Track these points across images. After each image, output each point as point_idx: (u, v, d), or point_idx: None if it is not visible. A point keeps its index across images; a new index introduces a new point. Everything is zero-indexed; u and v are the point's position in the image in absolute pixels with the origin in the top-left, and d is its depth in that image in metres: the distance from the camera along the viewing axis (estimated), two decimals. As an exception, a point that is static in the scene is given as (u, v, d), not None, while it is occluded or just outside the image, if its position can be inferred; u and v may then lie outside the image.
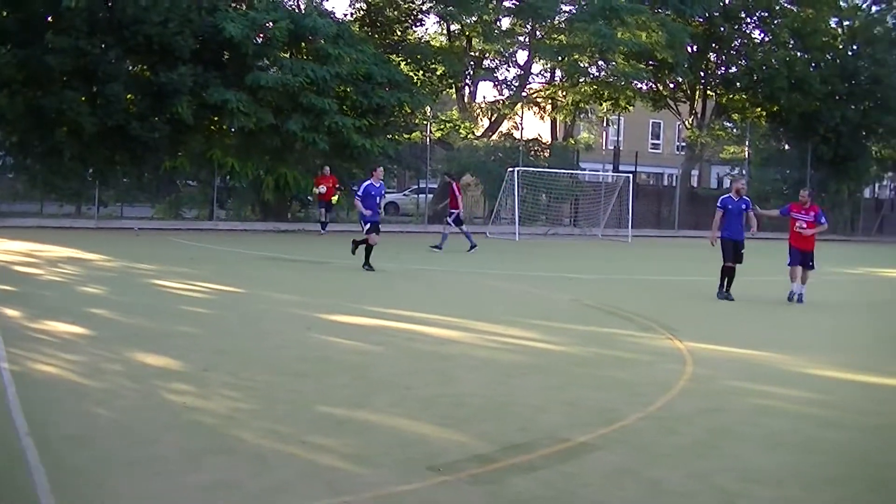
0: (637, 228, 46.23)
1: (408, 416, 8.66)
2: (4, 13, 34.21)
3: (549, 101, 52.88)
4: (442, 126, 49.67)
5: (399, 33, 48.28)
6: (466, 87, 51.86)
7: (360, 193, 22.78)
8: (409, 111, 44.27)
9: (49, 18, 34.55)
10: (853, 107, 54.16)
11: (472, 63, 50.16)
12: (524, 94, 51.63)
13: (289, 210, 41.98)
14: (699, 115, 56.19)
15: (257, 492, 6.43)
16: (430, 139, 46.83)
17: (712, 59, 55.97)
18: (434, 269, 23.97)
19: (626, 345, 13.26)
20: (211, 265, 22.65)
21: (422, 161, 46.87)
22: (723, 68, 56.27)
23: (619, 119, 63.01)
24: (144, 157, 36.63)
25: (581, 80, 49.82)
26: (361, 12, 47.41)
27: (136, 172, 38.00)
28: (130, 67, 36.62)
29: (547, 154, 50.23)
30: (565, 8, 48.02)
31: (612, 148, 61.56)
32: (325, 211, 36.01)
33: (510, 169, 41.76)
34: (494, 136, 51.12)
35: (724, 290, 19.18)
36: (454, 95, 52.31)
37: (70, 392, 9.03)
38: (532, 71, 52.23)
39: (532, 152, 49.13)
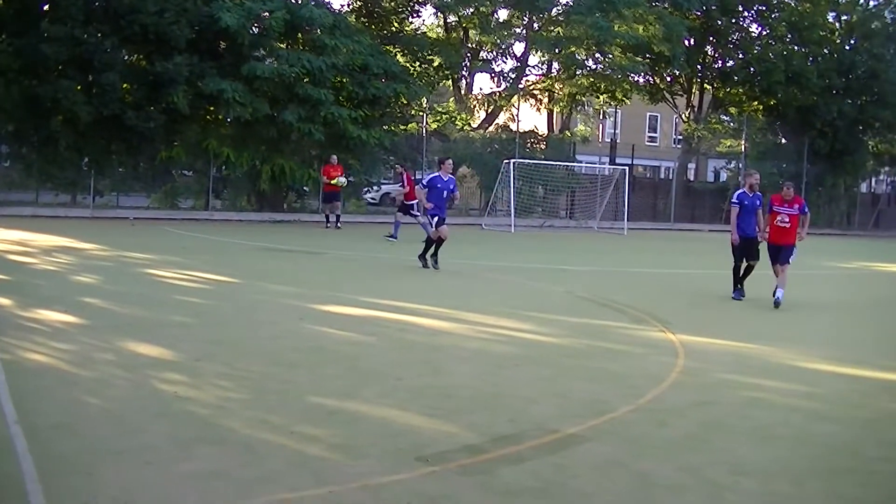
0: (633, 221, 46.29)
1: (398, 406, 8.65)
2: (0, 2, 34.16)
3: (546, 93, 52.98)
4: (438, 117, 49.67)
5: (396, 24, 48.35)
6: (463, 79, 51.88)
7: (424, 184, 21.71)
8: (405, 102, 44.27)
9: (45, 7, 34.54)
10: (850, 101, 54.21)
11: (468, 54, 50.18)
12: (521, 86, 51.65)
13: (285, 200, 41.94)
14: (696, 109, 56.27)
15: (244, 481, 6.43)
16: (426, 130, 46.83)
17: (709, 53, 56.10)
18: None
19: (619, 337, 13.27)
20: (206, 255, 22.63)
21: (418, 152, 46.85)
22: (720, 62, 56.41)
23: (615, 112, 63.08)
24: (140, 147, 36.62)
25: (578, 73, 49.92)
26: (358, 3, 47.46)
27: (131, 162, 37.99)
28: (126, 57, 36.58)
29: (543, 146, 50.27)
30: (562, 0, 48.00)
31: (609, 140, 61.61)
32: (337, 203, 34.98)
33: (506, 161, 41.79)
34: (491, 128, 51.22)
35: (740, 288, 18.30)
36: (451, 87, 52.30)
37: (60, 381, 9.02)
38: (529, 63, 52.43)
39: (528, 144, 49.15)
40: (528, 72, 52.92)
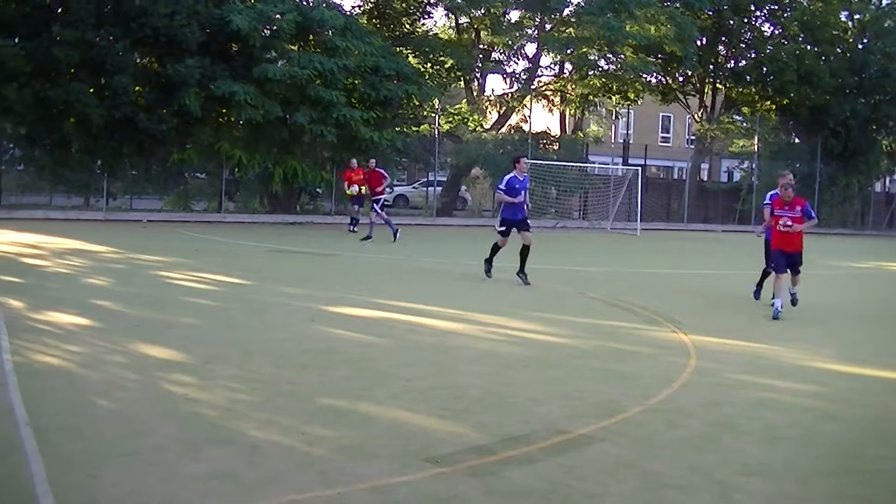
0: (646, 222, 46.27)
1: (407, 407, 8.64)
2: (12, 5, 34.25)
3: (558, 93, 52.83)
4: (451, 119, 49.63)
5: (407, 26, 48.34)
6: (475, 80, 51.78)
7: (502, 187, 19.68)
8: (417, 104, 44.33)
9: (56, 11, 34.61)
10: (863, 100, 54.11)
11: (480, 56, 50.10)
12: (533, 86, 51.57)
13: (297, 202, 42.01)
14: (709, 109, 56.14)
15: (251, 482, 6.42)
16: (438, 132, 46.85)
17: (721, 53, 55.97)
18: (440, 262, 23.94)
19: (630, 337, 13.24)
20: (218, 257, 22.65)
21: (430, 154, 46.89)
22: (732, 61, 56.30)
23: (628, 112, 62.97)
24: (152, 150, 36.77)
25: (590, 73, 49.83)
26: (369, 5, 47.48)
27: (144, 164, 38.16)
28: (138, 59, 36.73)
29: (556, 147, 50.27)
30: (574, 0, 47.93)
31: (622, 141, 61.59)
32: (358, 207, 33.80)
33: (519, 162, 41.67)
34: (503, 129, 51.11)
35: (760, 290, 17.63)
36: (463, 88, 52.26)
37: (70, 383, 9.03)
38: (541, 64, 52.31)
39: (541, 145, 49.15)
40: (540, 72, 52.87)
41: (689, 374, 10.67)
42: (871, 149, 55.65)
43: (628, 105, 57.41)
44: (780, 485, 6.94)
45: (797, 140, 57.98)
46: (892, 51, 54.25)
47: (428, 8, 49.04)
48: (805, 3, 54.02)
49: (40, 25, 33.64)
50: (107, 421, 7.78)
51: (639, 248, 33.56)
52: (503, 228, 19.63)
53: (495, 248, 19.91)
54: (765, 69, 53.11)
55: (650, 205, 50.04)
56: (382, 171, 30.91)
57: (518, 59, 51.62)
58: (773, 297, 15.84)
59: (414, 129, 46.28)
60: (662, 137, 77.03)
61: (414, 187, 56.76)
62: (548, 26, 49.29)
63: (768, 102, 55.59)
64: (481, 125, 50.37)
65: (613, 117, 67.44)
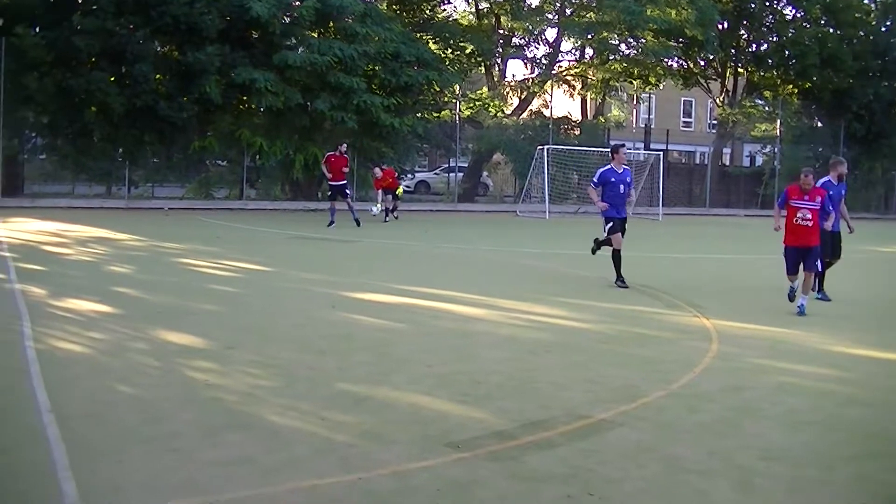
0: (668, 206, 46.12)
1: (427, 393, 8.64)
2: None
3: (579, 78, 52.70)
4: (471, 104, 49.56)
5: (427, 11, 48.21)
6: (496, 66, 51.69)
7: (595, 181, 17.60)
8: (437, 89, 44.29)
9: (77, 0, 34.68)
10: (886, 83, 53.75)
11: (500, 41, 50.04)
12: (554, 72, 51.46)
13: (318, 189, 41.98)
14: (730, 93, 55.83)
15: (270, 467, 6.43)
16: (459, 118, 46.79)
17: (743, 36, 55.59)
18: (462, 247, 23.92)
19: (652, 322, 13.19)
20: (239, 244, 22.69)
21: (451, 140, 46.86)
22: (754, 45, 55.91)
23: (649, 97, 62.73)
24: (173, 137, 36.81)
25: (611, 58, 49.69)
26: (389, -10, 47.38)
27: (165, 152, 38.20)
28: (158, 48, 36.76)
29: (577, 132, 50.18)
30: (594, -16, 47.79)
31: (643, 126, 61.38)
32: (391, 198, 33.79)
33: (540, 147, 41.71)
34: (524, 115, 51.04)
35: (819, 288, 16.21)
36: (483, 73, 52.17)
37: (92, 370, 9.06)
38: (561, 49, 52.12)
39: (562, 130, 49.05)
40: (560, 58, 52.70)
41: (711, 358, 10.63)
42: (894, 132, 55.20)
43: (649, 90, 57.29)
44: (801, 470, 6.91)
45: (820, 124, 57.63)
46: (915, 33, 53.90)
47: (448, -7, 48.98)
48: (827, -14, 53.69)
49: (61, 15, 33.71)
50: (128, 407, 7.81)
51: (661, 233, 33.46)
52: (610, 225, 17.27)
53: (613, 255, 17.30)
54: (787, 53, 52.78)
55: (672, 190, 49.86)
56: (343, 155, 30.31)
57: (539, 45, 51.60)
58: (792, 292, 14.93)
59: (435, 114, 46.19)
60: (684, 122, 76.77)
61: (435, 173, 56.76)
62: (568, 11, 49.13)
63: (790, 86, 55.23)
64: (502, 111, 50.26)
65: (635, 102, 67.32)
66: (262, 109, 37.71)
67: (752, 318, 13.77)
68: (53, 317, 11.75)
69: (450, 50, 47.68)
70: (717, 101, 57.27)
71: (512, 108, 51.66)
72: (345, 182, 29.46)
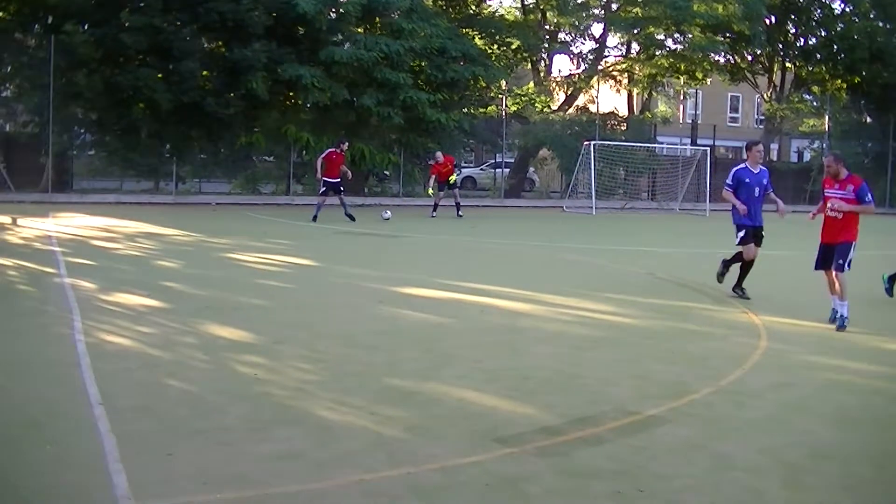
0: (715, 202, 45.73)
1: (475, 388, 8.63)
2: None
3: (626, 74, 52.52)
4: (517, 100, 49.46)
5: (473, 7, 48.17)
6: (542, 61, 51.57)
7: (730, 182, 15.26)
8: (483, 85, 44.32)
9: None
10: (937, 78, 53.10)
11: (547, 36, 49.92)
12: (600, 67, 51.29)
13: (365, 185, 42.12)
14: (778, 88, 55.42)
15: (320, 462, 6.45)
16: (505, 113, 46.75)
17: (791, 31, 55.12)
18: (509, 243, 23.88)
19: (700, 318, 13.13)
20: (286, 239, 22.77)
21: (497, 135, 46.83)
22: (801, 40, 55.42)
23: (696, 92, 62.35)
24: (220, 133, 37.05)
25: (657, 53, 49.52)
26: (435, -14, 47.37)
27: (212, 148, 38.46)
28: (205, 44, 37.00)
29: (623, 128, 50.04)
30: (640, -20, 47.59)
31: (690, 121, 61.06)
32: (442, 193, 32.79)
33: (586, 143, 41.60)
34: (570, 110, 50.91)
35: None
36: (529, 69, 52.08)
37: (142, 363, 9.13)
38: (608, 44, 52.00)
39: (608, 126, 48.93)
40: (606, 53, 52.58)
41: (760, 355, 10.56)
42: (945, 127, 54.63)
43: (696, 85, 56.92)
44: (852, 468, 6.85)
45: (868, 119, 57.04)
46: (966, 27, 53.19)
47: (494, -12, 48.92)
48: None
49: (109, 12, 33.99)
50: (178, 401, 7.86)
51: (707, 229, 33.26)
52: (743, 234, 15.28)
53: (741, 263, 15.51)
54: (835, 47, 52.31)
55: (719, 185, 49.24)
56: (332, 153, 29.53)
57: (585, 40, 51.39)
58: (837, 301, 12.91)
59: (481, 110, 46.27)
60: (731, 118, 76.35)
61: (482, 169, 56.80)
62: (614, 6, 48.96)
63: (839, 81, 54.68)
64: (548, 106, 50.12)
65: (681, 97, 66.94)
66: (308, 105, 37.84)
67: (801, 314, 13.64)
68: (103, 311, 11.84)
69: (496, 45, 47.66)
70: (765, 96, 56.89)
71: (558, 104, 51.54)
72: (339, 179, 28.86)
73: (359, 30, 39.13)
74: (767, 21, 51.03)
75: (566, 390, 8.70)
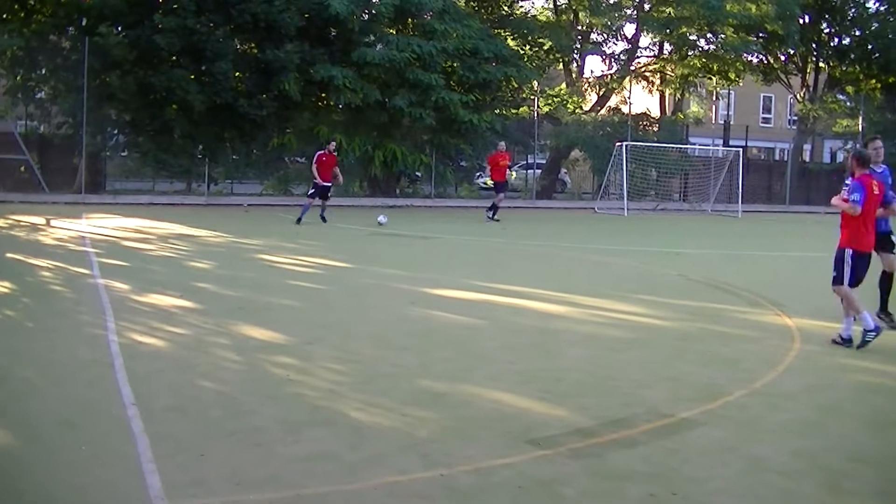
0: (747, 203, 45.63)
1: (508, 389, 8.62)
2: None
3: (658, 74, 52.35)
4: (550, 101, 49.40)
5: (505, 8, 48.12)
6: (574, 62, 51.47)
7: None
8: (516, 86, 44.35)
9: (158, -1, 35.16)
10: (972, 77, 52.68)
11: (579, 37, 49.81)
12: (632, 67, 51.14)
13: (397, 185, 42.18)
14: (811, 88, 55.07)
15: (353, 463, 6.45)
16: (537, 114, 46.74)
17: (825, 30, 54.77)
18: (541, 244, 23.86)
19: (733, 320, 13.05)
20: (318, 240, 22.81)
21: (530, 136, 46.80)
22: (836, 39, 55.01)
23: (728, 93, 62.08)
24: (253, 134, 37.16)
25: (690, 54, 49.37)
26: (468, -13, 47.34)
27: (244, 149, 38.53)
28: (238, 45, 37.10)
29: (656, 128, 49.85)
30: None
31: (722, 122, 60.80)
32: (503, 195, 32.22)
33: (619, 144, 41.51)
34: (603, 111, 50.75)
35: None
36: (562, 70, 52.00)
37: (175, 364, 9.17)
38: (640, 44, 51.76)
39: (641, 127, 48.81)
40: (639, 53, 52.37)
41: (794, 357, 10.51)
42: (980, 127, 54.17)
43: (729, 86, 56.70)
44: (890, 472, 6.81)
45: (903, 119, 56.65)
46: None
47: (526, -11, 48.88)
48: (912, -22, 52.74)
49: (143, 14, 34.15)
50: (211, 401, 7.89)
51: (740, 230, 33.15)
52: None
53: (881, 277, 13.16)
54: (870, 46, 51.93)
55: (751, 186, 49.33)
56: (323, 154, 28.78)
57: (617, 40, 51.21)
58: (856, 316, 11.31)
59: (513, 111, 46.24)
60: (763, 118, 76.02)
61: (514, 170, 56.72)
62: (647, 6, 48.80)
63: (873, 81, 54.28)
64: (580, 107, 50.01)
65: (714, 98, 66.68)
66: (340, 106, 37.94)
67: (835, 316, 13.45)
68: (136, 311, 11.89)
69: (528, 46, 47.63)
70: (798, 96, 56.54)
71: (590, 105, 51.41)
72: (330, 184, 28.32)
73: (391, 31, 39.19)
74: (801, 21, 50.71)
75: (599, 392, 8.68)
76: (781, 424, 7.84)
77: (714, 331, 12.14)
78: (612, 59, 51.38)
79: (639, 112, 50.54)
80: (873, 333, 11.00)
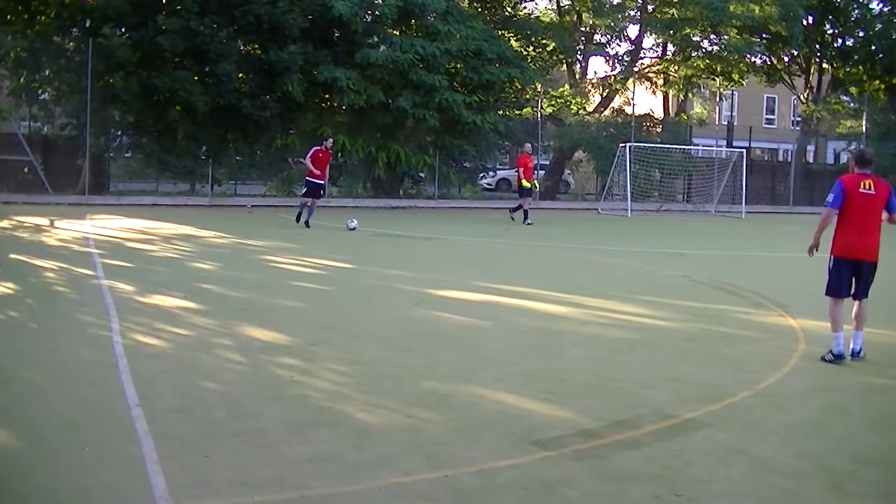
0: (751, 204, 45.61)
1: (512, 390, 8.62)
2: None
3: (661, 75, 52.31)
4: (553, 102, 49.38)
5: (509, 9, 48.09)
6: (577, 63, 51.44)
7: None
8: (519, 87, 44.36)
9: (162, 1, 35.12)
10: (976, 79, 52.64)
11: (582, 38, 49.78)
12: (636, 68, 51.10)
13: (400, 187, 42.17)
14: (815, 89, 55.03)
15: (357, 464, 6.46)
16: (541, 115, 46.69)
17: (828, 31, 54.74)
18: (544, 245, 23.85)
19: (737, 321, 13.05)
20: (322, 241, 22.80)
21: (533, 137, 46.77)
22: (839, 40, 54.99)
23: (732, 94, 62.00)
24: (256, 136, 37.14)
25: (693, 55, 49.33)
26: (471, -12, 47.32)
27: (248, 150, 38.49)
28: (241, 47, 37.06)
29: (659, 129, 49.84)
30: (677, -19, 47.40)
31: (726, 123, 60.76)
32: (531, 198, 32.15)
33: (622, 145, 41.51)
34: (606, 112, 50.70)
35: None
36: (565, 71, 51.97)
37: (179, 365, 9.17)
38: (643, 45, 51.74)
39: (644, 128, 48.77)
40: (642, 54, 52.31)
41: (798, 358, 10.51)
42: (984, 129, 54.11)
43: (732, 87, 56.66)
44: (895, 473, 6.79)
45: (907, 121, 56.61)
46: None
47: (530, -9, 48.83)
48: (916, -21, 52.70)
49: (146, 16, 34.14)
50: (215, 403, 7.89)
51: (743, 231, 33.14)
52: None
53: None
54: (873, 47, 51.90)
55: (755, 187, 49.31)
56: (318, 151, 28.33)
57: (620, 41, 51.18)
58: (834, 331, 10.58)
59: (516, 112, 46.22)
60: (767, 119, 75.93)
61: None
62: (650, 7, 48.77)
63: (877, 82, 54.26)
64: (584, 108, 50.00)
65: (717, 99, 66.63)
66: (344, 107, 37.93)
67: (840, 317, 13.53)
68: (140, 312, 11.90)
69: (531, 47, 47.61)
70: (801, 97, 56.49)
71: (594, 106, 51.38)
72: (324, 183, 27.96)
73: (395, 32, 39.16)
74: (805, 22, 50.66)
75: (603, 393, 8.67)
76: (786, 425, 7.84)
77: (718, 332, 12.13)
78: (616, 61, 51.34)
79: (642, 113, 50.48)
80: (833, 359, 10.31)
